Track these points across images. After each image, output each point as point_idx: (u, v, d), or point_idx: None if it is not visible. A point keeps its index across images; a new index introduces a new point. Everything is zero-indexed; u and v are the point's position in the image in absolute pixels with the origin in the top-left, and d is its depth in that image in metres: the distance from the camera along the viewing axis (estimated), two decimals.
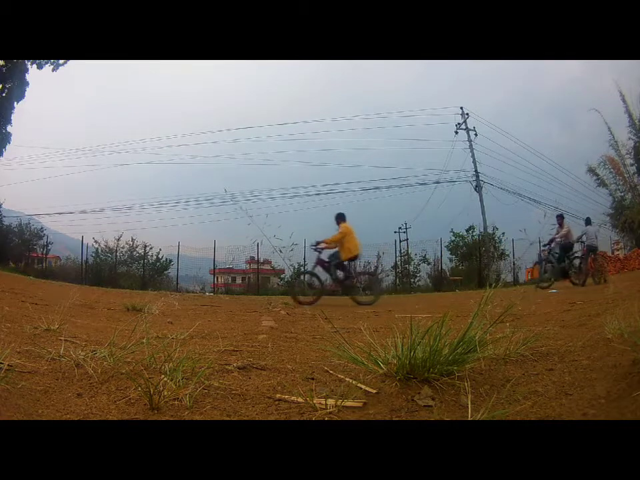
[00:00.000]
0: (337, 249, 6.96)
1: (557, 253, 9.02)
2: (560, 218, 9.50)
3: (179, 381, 1.13)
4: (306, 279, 7.24)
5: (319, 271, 7.03)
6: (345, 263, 6.96)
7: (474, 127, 19.29)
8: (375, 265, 15.64)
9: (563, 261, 8.96)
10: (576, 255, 9.30)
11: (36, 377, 1.20)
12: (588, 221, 10.07)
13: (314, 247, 7.21)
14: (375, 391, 1.13)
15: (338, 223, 7.14)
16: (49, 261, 19.03)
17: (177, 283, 16.91)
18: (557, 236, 9.14)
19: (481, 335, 1.29)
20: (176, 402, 1.06)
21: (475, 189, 18.34)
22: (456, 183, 19.18)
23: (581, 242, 9.54)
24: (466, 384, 1.06)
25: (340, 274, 6.93)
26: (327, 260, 7.01)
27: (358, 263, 7.70)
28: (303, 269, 7.28)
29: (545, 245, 9.60)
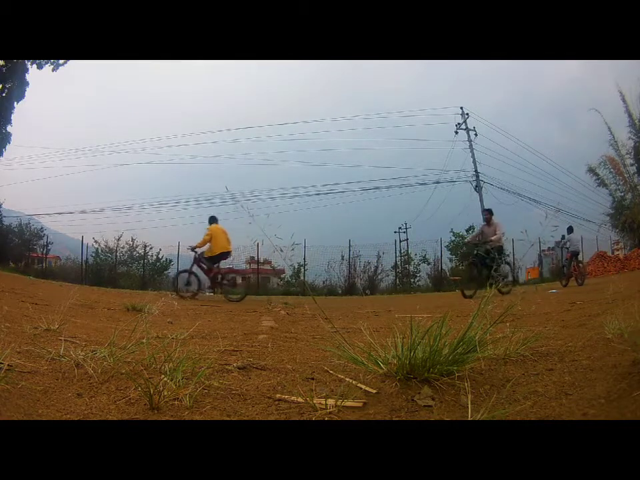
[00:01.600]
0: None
1: (483, 255, 7.58)
2: (488, 213, 8.01)
3: (179, 381, 1.13)
4: (184, 277, 7.97)
5: (196, 269, 7.81)
6: (214, 262, 7.69)
7: (474, 127, 19.32)
8: (375, 265, 15.68)
9: (490, 266, 7.42)
10: (506, 260, 8.05)
11: (36, 377, 1.20)
12: (570, 230, 10.41)
13: (190, 248, 8.02)
14: (374, 391, 1.13)
15: (210, 224, 7.92)
16: (49, 261, 19.01)
17: (177, 283, 16.88)
18: (492, 238, 7.67)
19: (481, 335, 1.29)
20: (176, 402, 1.06)
21: (475, 189, 18.35)
22: (456, 183, 19.20)
23: (565, 248, 10.28)
24: (466, 384, 1.06)
25: (210, 272, 7.66)
26: (201, 260, 7.73)
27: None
28: (186, 268, 8.19)
29: (465, 243, 8.42)
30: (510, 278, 8.02)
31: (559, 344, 1.63)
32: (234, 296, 7.45)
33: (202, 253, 7.80)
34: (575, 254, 9.88)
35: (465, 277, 8.15)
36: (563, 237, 10.61)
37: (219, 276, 7.74)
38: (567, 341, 1.67)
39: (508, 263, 8.57)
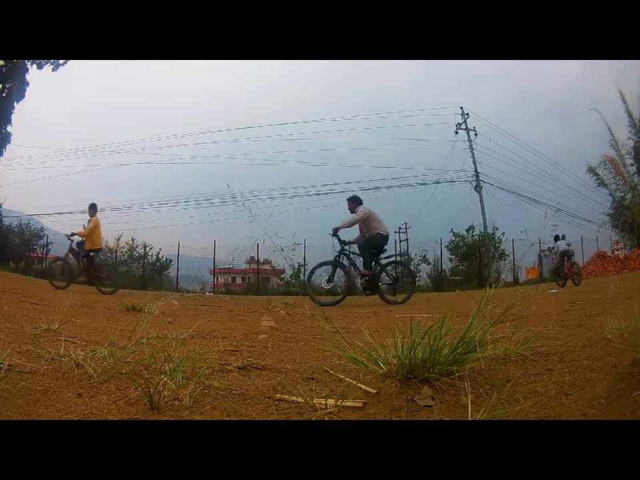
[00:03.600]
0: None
1: (354, 253, 6.23)
2: (353, 202, 6.33)
3: (179, 381, 1.13)
4: (59, 266, 7.99)
5: (71, 258, 7.81)
6: (91, 254, 7.73)
7: (474, 127, 19.37)
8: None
9: (370, 266, 6.08)
10: (392, 259, 6.59)
11: (36, 377, 1.20)
12: (557, 238, 10.60)
13: (68, 236, 8.03)
14: (374, 391, 1.13)
15: (90, 215, 7.84)
16: (49, 260, 19.02)
17: (177, 283, 16.92)
18: (346, 223, 6.11)
19: (481, 335, 1.29)
20: (176, 402, 1.06)
21: (475, 189, 18.37)
22: (456, 183, 19.25)
23: (556, 252, 10.42)
24: (466, 384, 1.06)
25: (86, 264, 7.70)
26: (77, 249, 7.76)
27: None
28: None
29: (334, 236, 6.22)
30: (401, 282, 6.41)
31: (558, 344, 1.63)
32: (106, 289, 7.52)
33: (80, 242, 7.80)
34: (566, 254, 10.20)
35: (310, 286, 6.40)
36: (555, 245, 10.79)
37: (92, 268, 7.76)
38: (567, 341, 1.67)
39: (401, 262, 6.81)
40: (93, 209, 7.87)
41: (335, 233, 6.18)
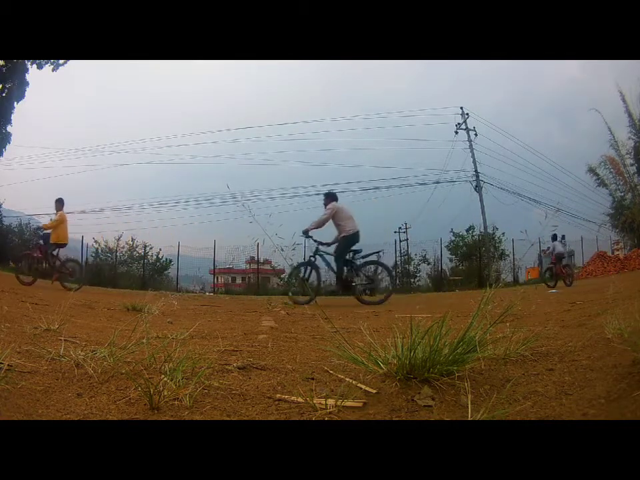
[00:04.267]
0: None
1: (328, 253, 6.08)
2: (326, 198, 6.29)
3: (179, 381, 1.13)
4: (27, 262, 7.95)
5: (39, 255, 7.77)
6: (55, 250, 7.68)
7: (474, 127, 19.37)
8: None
9: (346, 265, 5.97)
10: (370, 257, 6.28)
11: (36, 377, 1.20)
12: (554, 237, 10.85)
13: (38, 230, 8.05)
14: (374, 391, 1.13)
15: (57, 209, 7.82)
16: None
17: (177, 283, 16.92)
18: (314, 224, 6.06)
19: (481, 335, 1.29)
20: (176, 402, 1.06)
21: (475, 189, 18.38)
22: (456, 183, 19.27)
23: (551, 253, 10.71)
24: (466, 384, 1.06)
25: (54, 259, 7.67)
26: (45, 246, 7.72)
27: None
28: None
29: (307, 237, 6.20)
30: (377, 282, 6.29)
31: (558, 344, 1.63)
32: (72, 285, 7.45)
33: (46, 236, 7.78)
34: (559, 256, 10.48)
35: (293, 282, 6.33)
36: (552, 245, 10.90)
37: (58, 263, 7.71)
38: (566, 341, 1.67)
39: (379, 261, 6.54)
40: (59, 202, 7.87)
41: (306, 234, 6.13)
